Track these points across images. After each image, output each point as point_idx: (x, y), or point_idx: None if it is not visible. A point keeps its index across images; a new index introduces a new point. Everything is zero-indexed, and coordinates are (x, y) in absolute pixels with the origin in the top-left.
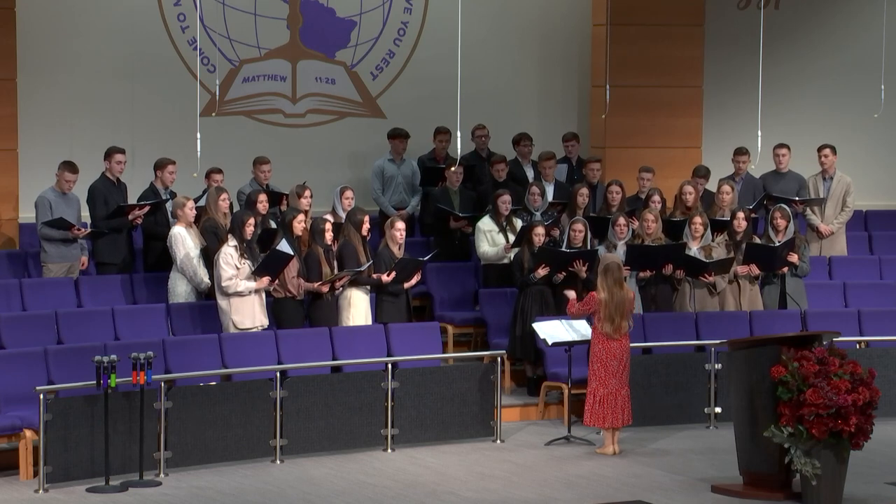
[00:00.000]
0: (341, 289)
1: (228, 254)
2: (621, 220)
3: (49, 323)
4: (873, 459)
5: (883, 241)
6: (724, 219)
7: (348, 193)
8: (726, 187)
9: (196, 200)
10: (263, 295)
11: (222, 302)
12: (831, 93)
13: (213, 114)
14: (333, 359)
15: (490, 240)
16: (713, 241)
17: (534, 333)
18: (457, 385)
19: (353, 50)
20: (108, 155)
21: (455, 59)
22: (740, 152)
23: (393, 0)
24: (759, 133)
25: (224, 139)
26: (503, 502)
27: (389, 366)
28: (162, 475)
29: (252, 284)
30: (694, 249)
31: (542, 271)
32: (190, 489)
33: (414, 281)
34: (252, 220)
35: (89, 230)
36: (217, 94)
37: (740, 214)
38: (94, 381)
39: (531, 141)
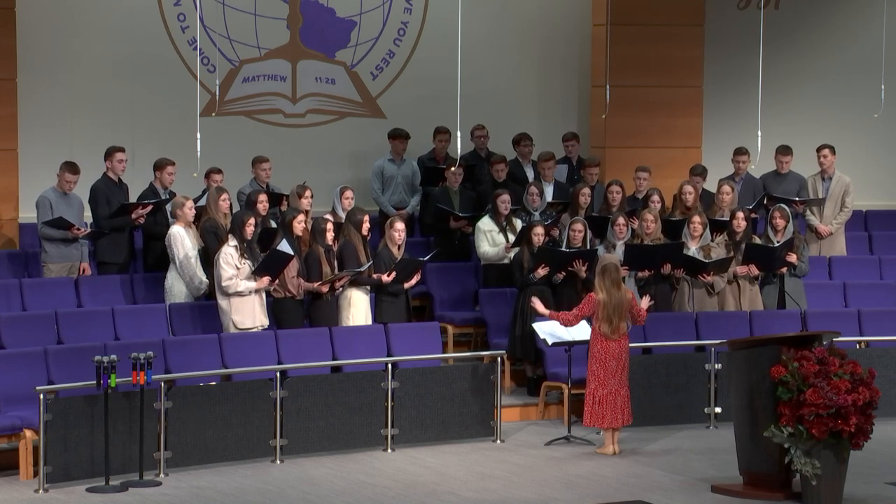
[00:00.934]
0: (341, 289)
1: (228, 254)
2: (621, 220)
3: (49, 323)
4: (873, 459)
5: (883, 241)
6: (724, 219)
7: (348, 193)
8: (726, 187)
9: (196, 200)
10: (263, 295)
11: (222, 302)
12: (831, 93)
13: (213, 114)
14: (333, 359)
15: (490, 240)
16: (713, 241)
17: (534, 333)
18: (457, 385)
19: (353, 50)
20: (109, 154)
21: (455, 60)
22: (740, 152)
23: (393, 0)
24: (759, 133)
25: (224, 139)
26: (503, 502)
27: (389, 366)
28: (162, 475)
29: (252, 284)
30: (693, 249)
31: (541, 271)
32: (190, 489)
33: (414, 281)
34: (252, 220)
35: (89, 230)
36: (217, 94)
37: (739, 214)
38: (94, 381)
39: (531, 141)
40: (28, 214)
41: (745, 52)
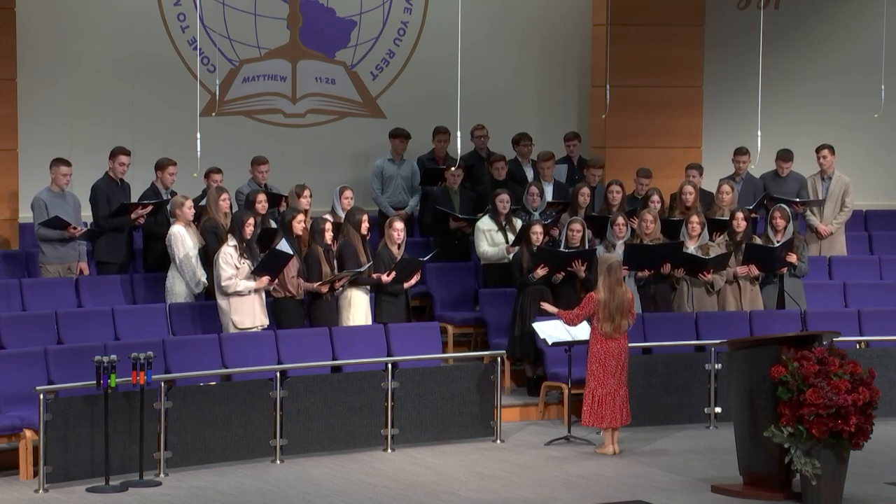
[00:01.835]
0: (341, 289)
1: (228, 254)
2: (620, 220)
3: (49, 323)
4: (873, 459)
5: (883, 241)
6: (724, 219)
7: (348, 193)
8: (726, 187)
9: (196, 201)
10: (263, 295)
11: (222, 302)
12: (831, 93)
13: (213, 114)
14: (333, 359)
15: (489, 239)
16: (713, 241)
17: (534, 333)
18: (457, 385)
19: (353, 50)
20: (113, 155)
21: (455, 60)
22: (740, 152)
23: (393, 0)
24: (759, 133)
25: (224, 139)
26: (503, 502)
27: (389, 366)
28: (162, 475)
29: (252, 284)
30: (691, 248)
31: (541, 271)
32: (190, 489)
33: (413, 281)
34: (252, 220)
35: (85, 229)
36: (217, 94)
37: (739, 214)
38: (94, 381)
39: (531, 141)
40: (28, 214)
41: (745, 52)
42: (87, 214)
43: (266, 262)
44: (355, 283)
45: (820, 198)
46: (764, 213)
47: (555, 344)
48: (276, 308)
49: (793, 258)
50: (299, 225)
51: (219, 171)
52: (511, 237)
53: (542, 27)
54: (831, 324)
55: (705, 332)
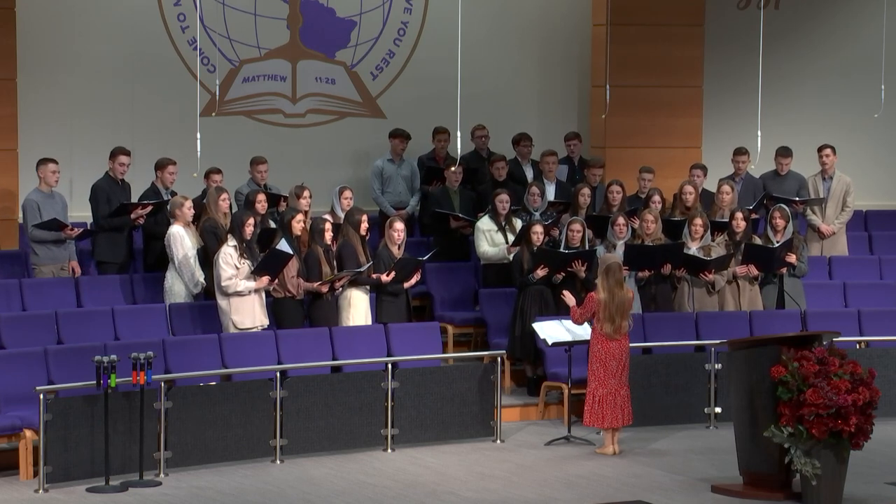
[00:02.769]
0: (341, 289)
1: (228, 254)
2: (621, 220)
3: (49, 323)
4: (873, 459)
5: (883, 241)
6: (724, 219)
7: (347, 193)
8: (726, 187)
9: (195, 200)
10: (263, 295)
11: (222, 302)
12: (831, 93)
13: (213, 114)
14: (333, 359)
15: (489, 239)
16: (713, 241)
17: (534, 333)
18: (457, 385)
19: (353, 50)
20: (113, 155)
21: (455, 60)
22: (740, 152)
23: (393, 0)
24: (759, 133)
25: (224, 139)
26: (503, 502)
27: (389, 366)
28: (162, 475)
29: (252, 284)
30: (693, 249)
31: (541, 272)
32: (190, 489)
33: (413, 281)
34: (251, 220)
35: (81, 230)
36: (217, 94)
37: (739, 215)
38: (94, 381)
39: (531, 141)
40: None
41: (745, 52)
42: (82, 214)
43: (266, 262)
44: (355, 283)
45: (821, 197)
46: (764, 213)
47: (555, 344)
48: (276, 308)
49: (792, 258)
50: (299, 225)
51: (218, 171)
52: (511, 237)
53: (542, 27)
54: (831, 324)
55: (705, 332)
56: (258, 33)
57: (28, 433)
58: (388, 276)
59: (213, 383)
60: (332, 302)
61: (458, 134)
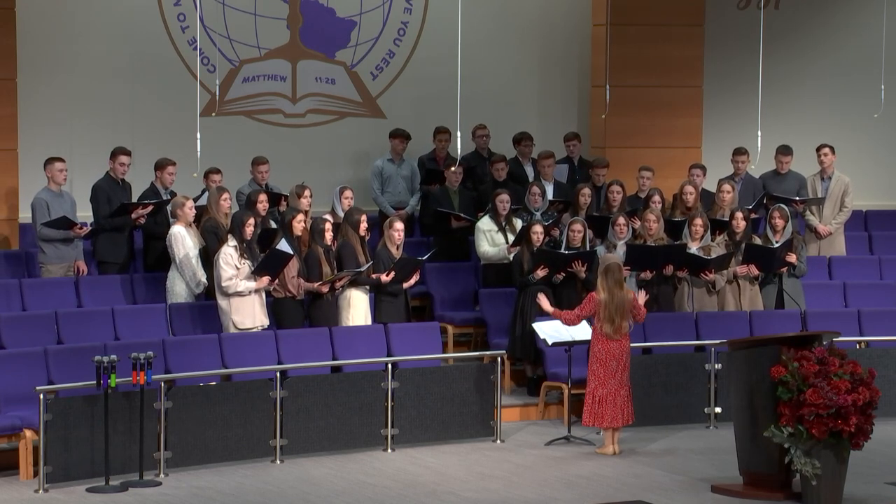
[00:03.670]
0: (341, 289)
1: (228, 254)
2: (621, 220)
3: (49, 323)
4: (873, 459)
5: (883, 241)
6: (724, 219)
7: (347, 193)
8: (726, 187)
9: (195, 200)
10: (263, 295)
11: (222, 302)
12: (831, 93)
13: (213, 114)
14: (333, 359)
15: (490, 239)
16: (713, 241)
17: (534, 333)
18: (457, 385)
19: (353, 50)
20: (113, 155)
21: (455, 59)
22: (739, 152)
23: (393, 0)
24: (759, 133)
25: (224, 139)
26: (503, 502)
27: (389, 366)
28: (162, 475)
29: (252, 284)
30: (693, 249)
31: (541, 272)
32: (190, 489)
33: (413, 281)
34: (252, 220)
35: (90, 228)
36: (217, 94)
37: (739, 214)
38: (94, 381)
39: (532, 140)
40: (29, 214)
41: (745, 52)
42: (82, 214)
43: (266, 262)
44: (355, 283)
45: (819, 197)
46: (764, 213)
47: (555, 344)
48: (277, 308)
49: (792, 258)
50: (299, 225)
51: (218, 171)
52: (511, 237)
53: (542, 27)
54: (831, 324)
55: (705, 332)
56: (258, 33)
57: (28, 433)
58: (387, 276)
59: (213, 383)
60: (332, 302)
61: (459, 134)
